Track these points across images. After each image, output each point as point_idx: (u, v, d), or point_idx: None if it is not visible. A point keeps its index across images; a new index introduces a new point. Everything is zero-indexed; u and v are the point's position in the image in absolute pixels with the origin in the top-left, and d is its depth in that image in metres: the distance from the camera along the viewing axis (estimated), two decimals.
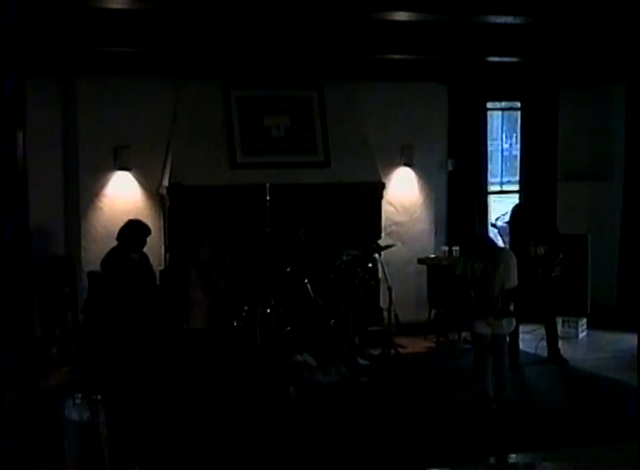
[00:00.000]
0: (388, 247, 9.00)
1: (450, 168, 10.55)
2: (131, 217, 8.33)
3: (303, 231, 8.73)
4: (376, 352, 8.78)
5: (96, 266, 9.02)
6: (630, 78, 10.02)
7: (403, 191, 10.29)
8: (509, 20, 6.85)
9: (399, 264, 9.86)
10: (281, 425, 6.95)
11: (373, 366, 8.48)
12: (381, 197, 9.88)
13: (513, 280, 7.35)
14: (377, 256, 8.89)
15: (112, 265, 7.93)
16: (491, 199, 11.11)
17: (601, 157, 10.98)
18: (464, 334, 9.81)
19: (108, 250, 8.21)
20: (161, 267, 9.00)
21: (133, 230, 8.00)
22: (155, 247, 8.90)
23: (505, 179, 11.66)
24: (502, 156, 11.85)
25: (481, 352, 7.44)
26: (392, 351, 8.72)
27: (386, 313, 8.94)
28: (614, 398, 7.58)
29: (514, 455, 6.50)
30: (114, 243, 8.07)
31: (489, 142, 11.09)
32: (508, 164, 11.91)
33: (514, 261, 7.43)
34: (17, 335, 4.41)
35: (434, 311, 9.94)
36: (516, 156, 11.47)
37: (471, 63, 9.32)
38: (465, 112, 10.48)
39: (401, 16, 6.65)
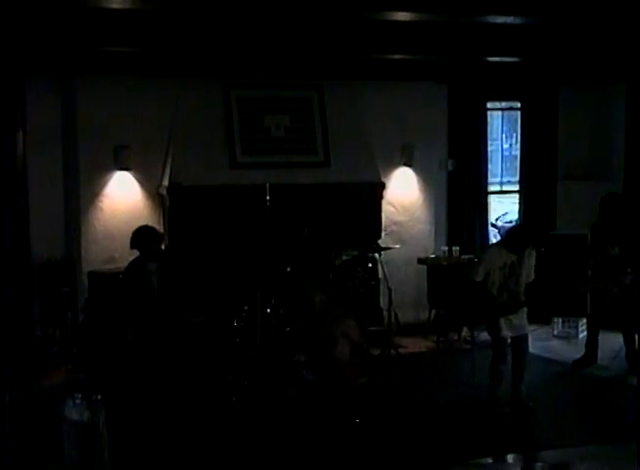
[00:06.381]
0: (387, 248, 9.00)
1: (450, 168, 10.55)
2: (142, 223, 8.00)
3: (307, 230, 8.71)
4: (376, 352, 8.78)
5: (96, 266, 9.04)
6: (630, 78, 10.02)
7: (403, 191, 10.29)
8: (509, 20, 6.85)
9: (399, 264, 9.86)
10: (281, 425, 6.94)
11: (373, 366, 8.48)
12: (381, 197, 9.89)
13: (532, 274, 7.29)
14: (377, 256, 8.89)
15: (125, 277, 7.80)
16: (491, 199, 11.13)
17: (601, 157, 10.98)
18: (464, 334, 9.82)
19: (107, 250, 8.20)
20: None
21: (139, 238, 7.59)
22: None
23: (505, 179, 11.68)
24: (502, 156, 11.87)
25: (503, 356, 7.29)
26: (392, 351, 8.71)
27: (386, 313, 8.94)
28: (614, 398, 7.58)
29: (514, 455, 6.51)
30: (114, 243, 8.06)
31: (489, 142, 11.10)
32: (508, 164, 11.93)
33: (535, 255, 7.33)
34: (17, 335, 4.40)
35: (434, 311, 9.95)
36: (516, 156, 11.48)
37: (471, 63, 9.32)
38: (465, 112, 10.48)
39: (401, 16, 6.65)
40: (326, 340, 6.71)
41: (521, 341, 7.32)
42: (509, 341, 7.29)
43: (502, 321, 7.17)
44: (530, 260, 7.26)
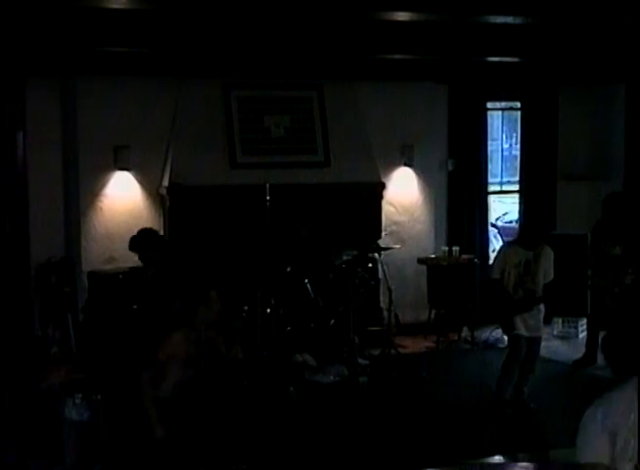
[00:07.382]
0: (387, 248, 8.99)
1: (450, 168, 10.55)
2: (142, 224, 7.81)
3: (306, 232, 8.71)
4: (376, 352, 8.78)
5: (96, 266, 9.04)
6: (630, 78, 10.02)
7: (403, 191, 10.29)
8: (509, 20, 6.85)
9: (399, 264, 9.86)
10: (281, 425, 6.94)
11: (373, 366, 8.48)
12: (381, 197, 9.88)
13: (551, 274, 7.28)
14: (377, 256, 8.89)
15: (125, 283, 7.71)
16: (491, 199, 11.12)
17: (601, 157, 10.97)
18: (464, 334, 9.83)
19: (107, 250, 8.12)
20: None
21: (136, 240, 7.45)
22: None
23: (505, 179, 11.67)
24: (502, 156, 11.86)
25: (518, 354, 7.26)
26: (392, 351, 8.71)
27: (386, 313, 8.94)
28: None
29: (514, 456, 6.50)
30: (114, 243, 8.02)
31: (489, 142, 11.09)
32: (508, 164, 11.92)
33: (552, 255, 7.32)
34: (17, 335, 4.41)
35: (434, 311, 9.95)
36: (516, 156, 11.48)
37: (471, 63, 9.31)
38: (465, 112, 10.48)
39: (401, 16, 6.65)
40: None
41: (533, 343, 7.30)
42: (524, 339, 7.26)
43: (517, 319, 7.18)
44: (547, 259, 7.27)
